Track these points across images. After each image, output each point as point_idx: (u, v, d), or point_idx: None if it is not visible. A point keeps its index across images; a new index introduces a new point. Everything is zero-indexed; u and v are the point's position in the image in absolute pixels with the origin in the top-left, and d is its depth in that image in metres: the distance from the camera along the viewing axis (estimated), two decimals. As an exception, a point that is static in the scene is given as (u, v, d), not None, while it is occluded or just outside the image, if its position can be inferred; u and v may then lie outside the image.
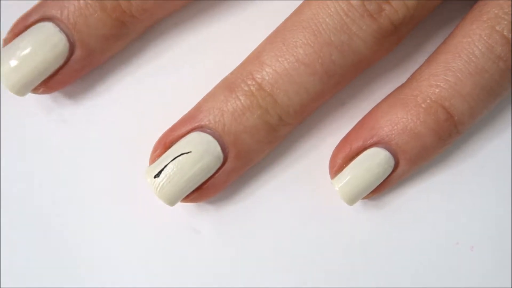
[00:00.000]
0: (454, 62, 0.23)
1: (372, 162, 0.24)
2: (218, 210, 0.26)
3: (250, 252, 0.26)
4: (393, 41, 0.23)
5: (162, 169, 0.23)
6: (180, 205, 0.26)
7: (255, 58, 0.24)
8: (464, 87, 0.23)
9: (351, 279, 0.26)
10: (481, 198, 0.26)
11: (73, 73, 0.24)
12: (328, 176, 0.26)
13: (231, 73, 0.24)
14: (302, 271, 0.26)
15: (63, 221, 0.26)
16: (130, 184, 0.26)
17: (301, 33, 0.23)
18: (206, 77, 0.25)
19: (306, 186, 0.26)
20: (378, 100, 0.25)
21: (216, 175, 0.24)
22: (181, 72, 0.26)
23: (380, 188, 0.25)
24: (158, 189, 0.23)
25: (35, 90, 0.24)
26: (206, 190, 0.24)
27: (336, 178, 0.24)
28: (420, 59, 0.26)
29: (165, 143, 0.24)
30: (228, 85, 0.24)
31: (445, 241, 0.26)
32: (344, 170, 0.24)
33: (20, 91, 0.24)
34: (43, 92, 0.25)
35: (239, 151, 0.24)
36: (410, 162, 0.24)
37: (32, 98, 0.26)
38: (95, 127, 0.26)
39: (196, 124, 0.24)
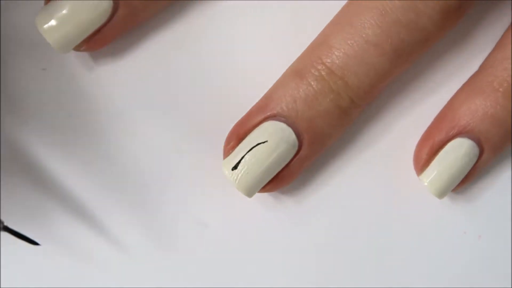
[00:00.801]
0: None
1: (458, 153, 0.24)
2: (227, 204, 0.26)
3: (257, 247, 0.26)
4: (458, 16, 0.24)
5: (240, 161, 0.23)
6: (186, 200, 0.26)
7: (322, 42, 0.24)
8: None
9: (355, 269, 0.26)
10: (488, 187, 0.26)
11: (115, 31, 0.24)
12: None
13: (298, 60, 0.24)
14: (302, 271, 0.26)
15: (66, 219, 0.25)
16: (135, 181, 0.26)
17: (368, 14, 0.23)
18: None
19: (308, 183, 0.26)
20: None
21: (291, 163, 0.24)
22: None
23: (468, 178, 0.25)
24: (237, 181, 0.23)
25: (77, 47, 0.24)
26: (282, 178, 0.24)
27: (424, 173, 0.24)
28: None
29: (239, 135, 0.24)
30: (297, 72, 0.24)
31: (452, 230, 0.26)
32: (431, 164, 0.24)
33: (63, 47, 0.24)
34: (85, 50, 0.24)
35: (313, 137, 0.24)
36: (494, 148, 0.24)
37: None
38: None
39: (269, 113, 0.24)
